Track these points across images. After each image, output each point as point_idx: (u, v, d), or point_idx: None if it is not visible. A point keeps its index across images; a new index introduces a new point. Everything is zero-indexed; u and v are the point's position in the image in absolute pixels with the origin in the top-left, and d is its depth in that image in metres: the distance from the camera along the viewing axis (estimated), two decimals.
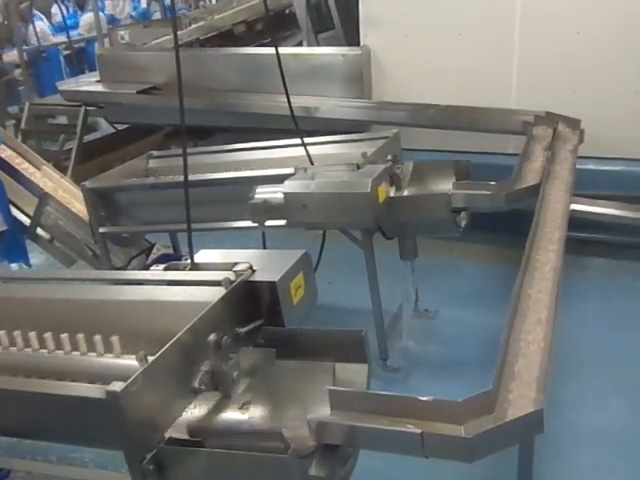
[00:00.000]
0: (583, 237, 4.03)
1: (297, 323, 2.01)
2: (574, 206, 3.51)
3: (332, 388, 1.70)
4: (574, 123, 4.02)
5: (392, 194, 3.12)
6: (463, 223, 3.20)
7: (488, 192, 3.10)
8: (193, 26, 6.91)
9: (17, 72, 8.09)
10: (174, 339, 1.67)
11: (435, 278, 4.11)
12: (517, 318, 2.10)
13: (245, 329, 1.88)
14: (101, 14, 8.30)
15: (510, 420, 1.64)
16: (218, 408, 1.74)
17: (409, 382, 3.34)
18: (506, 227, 3.56)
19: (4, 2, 6.92)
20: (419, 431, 1.57)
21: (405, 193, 3.14)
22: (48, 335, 2.02)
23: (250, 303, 1.96)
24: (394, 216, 3.12)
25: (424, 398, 1.65)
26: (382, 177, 3.03)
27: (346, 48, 5.02)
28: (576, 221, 3.35)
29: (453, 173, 3.19)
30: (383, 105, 4.65)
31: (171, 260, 2.52)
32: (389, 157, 3.23)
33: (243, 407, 1.74)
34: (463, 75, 4.49)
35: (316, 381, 1.80)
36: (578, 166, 3.58)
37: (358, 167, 3.08)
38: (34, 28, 8.20)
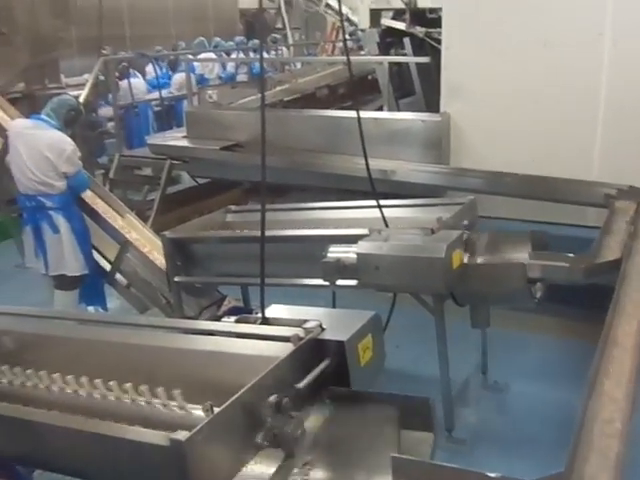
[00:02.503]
0: None
1: (363, 385, 1.99)
2: None
3: (396, 456, 1.65)
4: None
5: (466, 261, 3.08)
6: (538, 294, 3.12)
7: (566, 264, 3.02)
8: (278, 88, 7.16)
9: (110, 125, 8.53)
10: (241, 392, 1.67)
11: (506, 349, 4.00)
12: (593, 397, 2.01)
13: (304, 383, 1.84)
14: (192, 74, 8.71)
15: None
16: (278, 467, 1.72)
17: (474, 455, 3.22)
18: (582, 301, 3.45)
19: (104, 61, 7.34)
20: None
21: (480, 261, 3.10)
22: (117, 379, 2.06)
23: (318, 361, 1.95)
24: (467, 283, 3.07)
25: (493, 475, 1.57)
26: (457, 243, 3.00)
27: (426, 114, 5.07)
28: None
29: (530, 243, 3.13)
30: (460, 171, 4.65)
31: (241, 313, 2.55)
32: (465, 223, 3.21)
33: (304, 467, 1.71)
34: (543, 144, 4.45)
35: (380, 447, 1.76)
36: None
37: (433, 232, 3.07)
38: (129, 85, 8.66)
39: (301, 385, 1.84)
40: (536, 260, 3.03)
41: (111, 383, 2.03)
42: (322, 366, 1.91)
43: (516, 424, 3.47)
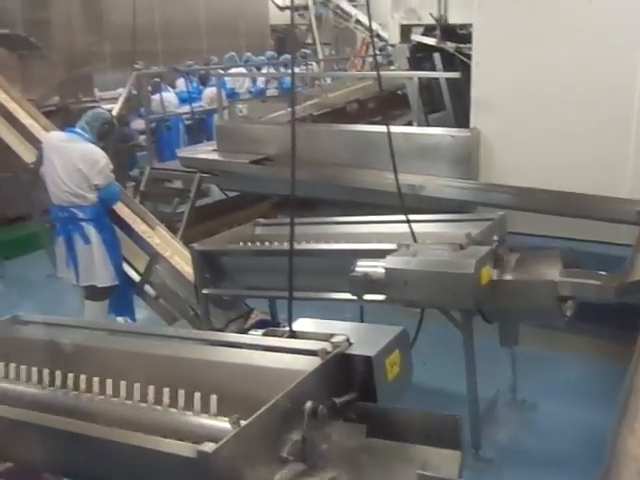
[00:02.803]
0: None
1: (390, 401, 1.97)
2: None
3: (422, 473, 1.64)
4: None
5: (495, 277, 3.06)
6: (569, 312, 3.08)
7: (597, 282, 2.97)
8: (308, 103, 7.20)
9: (141, 138, 8.65)
10: (267, 406, 1.67)
11: (535, 368, 3.95)
12: (627, 417, 1.97)
13: (341, 400, 1.85)
14: (222, 89, 8.79)
15: None
16: None
17: (501, 475, 3.18)
18: (613, 320, 3.39)
19: (137, 75, 7.45)
20: None
21: (509, 277, 3.07)
22: (144, 389, 2.07)
23: (344, 376, 1.94)
24: (496, 300, 3.04)
25: None
26: (486, 259, 2.98)
27: (456, 129, 5.06)
28: None
29: (560, 260, 3.09)
30: (490, 187, 4.62)
31: (268, 326, 2.55)
32: (494, 239, 3.18)
33: None
34: (575, 161, 4.40)
35: (405, 464, 1.75)
36: None
37: (462, 247, 3.05)
38: (161, 99, 8.78)
39: (338, 401, 1.83)
40: (567, 278, 3.00)
41: (138, 393, 2.04)
42: (349, 397, 1.90)
43: (545, 443, 3.42)
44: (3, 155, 5.63)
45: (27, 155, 5.29)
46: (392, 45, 7.45)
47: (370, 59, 12.63)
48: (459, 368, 3.18)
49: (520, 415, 3.67)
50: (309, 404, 1.73)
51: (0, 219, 7.06)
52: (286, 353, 2.05)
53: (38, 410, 2.00)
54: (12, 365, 2.41)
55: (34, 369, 2.36)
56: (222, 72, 10.09)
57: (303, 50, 13.19)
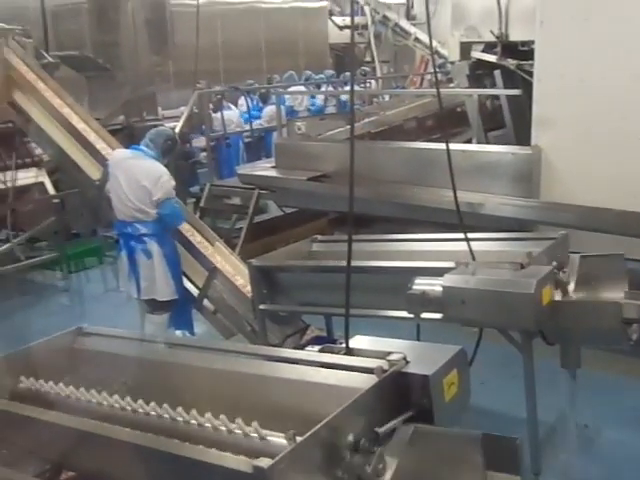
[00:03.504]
0: None
1: (448, 422, 1.94)
2: None
3: None
4: None
5: (557, 298, 2.98)
6: (634, 336, 2.97)
7: None
8: (366, 120, 7.21)
9: (202, 155, 8.83)
10: (324, 422, 1.67)
11: (598, 392, 3.82)
12: None
13: (383, 430, 1.81)
14: (282, 107, 8.91)
15: None
16: None
17: None
18: None
19: (199, 94, 7.63)
20: None
21: (572, 298, 2.99)
22: (201, 403, 2.09)
23: (401, 395, 1.93)
24: (558, 321, 2.96)
25: None
26: (547, 279, 2.90)
27: (516, 147, 4.99)
28: None
29: (626, 282, 3.00)
30: (552, 206, 4.53)
31: (324, 342, 2.56)
32: (556, 259, 3.11)
33: None
34: (638, 179, 4.27)
35: None
36: None
37: (522, 267, 2.99)
38: (222, 117, 8.96)
39: (381, 430, 1.81)
40: (632, 300, 2.89)
41: (195, 409, 2.06)
42: (405, 416, 1.88)
43: (608, 471, 3.30)
44: (70, 172, 5.84)
45: (93, 172, 5.46)
46: (451, 62, 7.44)
47: (428, 77, 12.62)
48: (518, 390, 3.10)
49: (582, 441, 3.56)
50: (350, 437, 1.70)
51: (66, 234, 7.30)
52: (342, 370, 2.05)
53: (100, 421, 2.04)
54: (75, 375, 2.47)
55: (96, 380, 2.41)
56: (282, 90, 10.23)
57: (362, 68, 13.26)
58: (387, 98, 10.53)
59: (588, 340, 3.19)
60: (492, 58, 6.18)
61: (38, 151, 6.92)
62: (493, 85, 6.28)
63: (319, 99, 11.99)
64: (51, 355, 2.63)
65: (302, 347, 3.32)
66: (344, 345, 2.21)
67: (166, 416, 2.10)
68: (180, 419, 2.07)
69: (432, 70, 10.46)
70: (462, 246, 3.30)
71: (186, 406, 2.15)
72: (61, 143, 5.69)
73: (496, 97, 6.32)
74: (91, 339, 2.74)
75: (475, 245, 3.32)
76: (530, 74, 5.00)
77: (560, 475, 3.25)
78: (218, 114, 9.00)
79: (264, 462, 1.53)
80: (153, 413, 2.13)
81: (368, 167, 5.11)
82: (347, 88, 11.19)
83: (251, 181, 6.42)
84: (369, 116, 7.52)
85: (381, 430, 1.80)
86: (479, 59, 6.39)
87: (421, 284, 3.08)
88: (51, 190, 6.85)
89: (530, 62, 5.13)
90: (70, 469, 2.26)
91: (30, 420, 2.10)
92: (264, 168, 6.51)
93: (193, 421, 2.05)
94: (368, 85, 12.55)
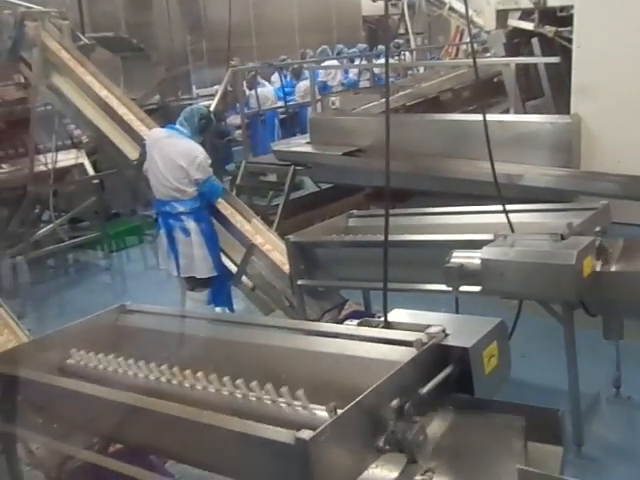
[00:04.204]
0: None
1: (487, 394, 1.94)
2: None
3: (523, 468, 1.60)
4: None
5: (598, 269, 2.93)
6: None
7: None
8: (401, 93, 7.13)
9: (237, 133, 8.85)
10: (364, 394, 1.68)
11: None
12: None
13: (427, 388, 1.81)
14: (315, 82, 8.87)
15: None
16: (400, 472, 1.71)
17: (605, 474, 3.06)
18: None
19: (232, 72, 7.62)
20: None
21: (613, 269, 2.94)
22: (244, 377, 2.12)
23: (441, 367, 1.92)
24: (600, 292, 2.92)
25: None
26: (588, 250, 2.86)
27: (555, 116, 4.89)
28: None
29: None
30: (592, 175, 4.44)
31: (362, 317, 2.56)
32: (597, 229, 3.06)
33: (426, 474, 1.69)
34: None
35: (505, 458, 1.72)
36: None
37: (562, 238, 2.95)
38: (256, 94, 8.96)
39: (424, 390, 1.81)
40: None
41: (238, 381, 2.10)
42: (446, 372, 1.88)
43: None
44: (108, 152, 5.92)
45: (131, 152, 5.52)
46: (487, 31, 7.28)
47: (464, 47, 12.38)
48: (559, 362, 3.08)
49: (625, 413, 3.52)
50: (395, 402, 1.71)
51: (106, 214, 7.43)
52: (381, 343, 2.05)
53: (146, 395, 2.09)
54: (119, 352, 2.53)
55: (140, 356, 2.47)
56: (315, 65, 10.16)
57: (396, 40, 13.08)
58: (422, 70, 10.38)
59: (631, 311, 3.14)
60: (529, 26, 6.03)
61: (77, 132, 7.03)
62: (531, 54, 6.14)
63: (352, 73, 11.88)
64: (95, 332, 2.70)
65: (340, 322, 3.34)
66: (382, 319, 2.21)
67: (211, 390, 2.14)
68: (225, 391, 2.11)
69: (467, 40, 10.26)
70: (500, 218, 3.27)
71: (228, 381, 2.19)
72: (99, 124, 5.76)
73: (534, 65, 6.18)
74: (134, 316, 2.80)
75: (514, 217, 3.28)
76: (569, 41, 4.87)
77: (603, 447, 3.22)
78: (252, 91, 8.99)
79: (306, 434, 1.55)
80: (199, 387, 2.17)
81: (403, 140, 5.05)
82: (381, 61, 11.07)
83: (286, 157, 6.42)
84: (404, 89, 7.44)
85: (423, 391, 1.80)
86: (516, 27, 6.24)
87: (459, 257, 3.06)
88: (90, 171, 6.97)
89: (569, 28, 4.99)
90: (118, 442, 2.33)
91: (79, 395, 2.16)
92: (299, 144, 6.50)
93: (238, 393, 2.08)
94: (402, 57, 12.38)
